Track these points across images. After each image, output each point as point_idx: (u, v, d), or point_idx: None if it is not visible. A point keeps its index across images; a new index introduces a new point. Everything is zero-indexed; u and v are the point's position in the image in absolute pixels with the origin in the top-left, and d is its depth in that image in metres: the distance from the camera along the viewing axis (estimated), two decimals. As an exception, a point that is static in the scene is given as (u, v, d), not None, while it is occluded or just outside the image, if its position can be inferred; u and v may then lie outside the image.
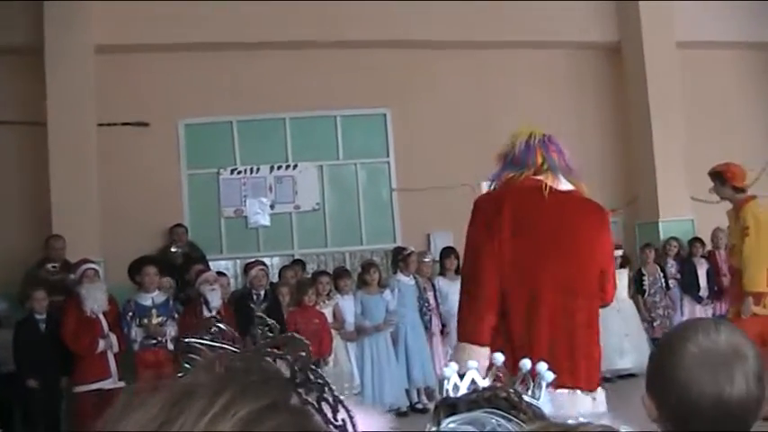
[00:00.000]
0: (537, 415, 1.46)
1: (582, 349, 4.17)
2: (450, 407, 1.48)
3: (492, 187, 4.57)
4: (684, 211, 12.28)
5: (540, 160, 4.29)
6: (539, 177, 4.28)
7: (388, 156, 12.15)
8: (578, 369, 4.10)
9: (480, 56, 12.36)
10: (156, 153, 11.28)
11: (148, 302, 8.79)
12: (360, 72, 11.86)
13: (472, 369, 1.65)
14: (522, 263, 4.15)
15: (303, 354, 0.89)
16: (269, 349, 0.90)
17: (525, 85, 12.49)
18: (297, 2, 11.14)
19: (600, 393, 4.23)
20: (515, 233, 4.17)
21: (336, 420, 0.87)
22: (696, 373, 1.72)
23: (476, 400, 1.47)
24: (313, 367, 0.89)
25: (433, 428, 1.42)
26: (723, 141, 12.90)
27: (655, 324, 10.88)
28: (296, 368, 0.88)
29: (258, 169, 11.69)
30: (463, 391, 1.58)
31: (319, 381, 0.88)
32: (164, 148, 11.39)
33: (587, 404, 4.09)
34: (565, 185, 4.32)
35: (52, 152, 10.49)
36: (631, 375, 10.44)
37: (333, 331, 9.62)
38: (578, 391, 4.06)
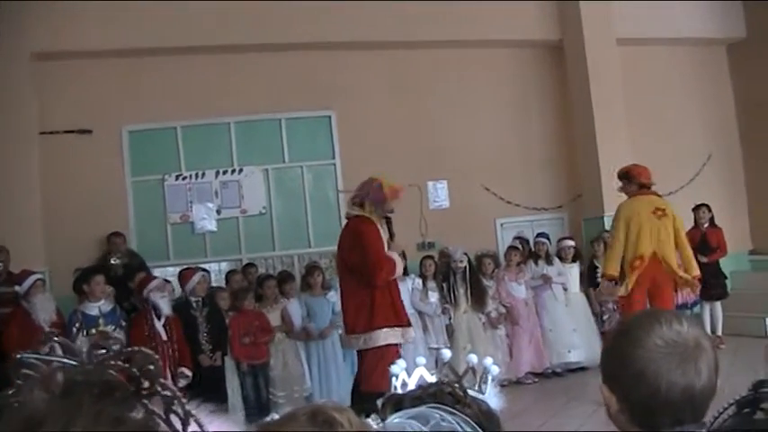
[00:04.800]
0: (482, 409, 1.47)
1: (356, 307, 7.33)
2: (397, 403, 1.49)
3: None
4: (629, 205, 12.43)
5: None
6: None
7: (333, 158, 12.13)
8: (359, 322, 7.28)
9: (424, 56, 12.41)
10: (99, 160, 11.14)
11: (95, 312, 8.68)
12: (304, 74, 11.84)
13: (420, 366, 1.66)
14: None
15: (152, 367, 0.89)
16: (113, 362, 0.89)
17: (469, 84, 12.57)
18: (240, 3, 11.08)
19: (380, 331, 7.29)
20: None
21: None
22: (664, 366, 1.73)
23: (421, 396, 1.48)
24: (162, 380, 0.89)
25: (380, 424, 1.42)
26: (665, 136, 13.13)
27: (604, 318, 11.01)
28: (142, 381, 0.89)
29: (203, 174, 11.61)
30: (411, 387, 1.59)
31: (168, 393, 0.88)
32: (107, 156, 11.25)
33: (374, 338, 7.23)
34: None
35: (-7, 162, 10.33)
36: (582, 369, 10.57)
37: (281, 334, 9.67)
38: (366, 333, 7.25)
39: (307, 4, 11.31)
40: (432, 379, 1.62)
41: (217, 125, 11.72)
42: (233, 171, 11.72)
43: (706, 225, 11.88)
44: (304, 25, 11.46)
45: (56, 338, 1.03)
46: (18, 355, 0.98)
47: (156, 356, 0.92)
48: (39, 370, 0.94)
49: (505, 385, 10.43)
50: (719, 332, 11.71)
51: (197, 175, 11.58)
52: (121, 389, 0.87)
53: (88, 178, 11.01)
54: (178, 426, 0.88)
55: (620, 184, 9.16)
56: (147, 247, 11.00)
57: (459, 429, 1.39)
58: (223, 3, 11.05)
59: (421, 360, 1.69)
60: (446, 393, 1.47)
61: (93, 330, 8.51)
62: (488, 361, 1.65)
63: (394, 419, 1.42)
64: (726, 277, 11.91)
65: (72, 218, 10.74)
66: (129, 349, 0.92)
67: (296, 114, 11.94)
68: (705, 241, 11.77)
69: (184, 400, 0.89)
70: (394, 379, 1.61)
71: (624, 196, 9.05)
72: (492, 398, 1.57)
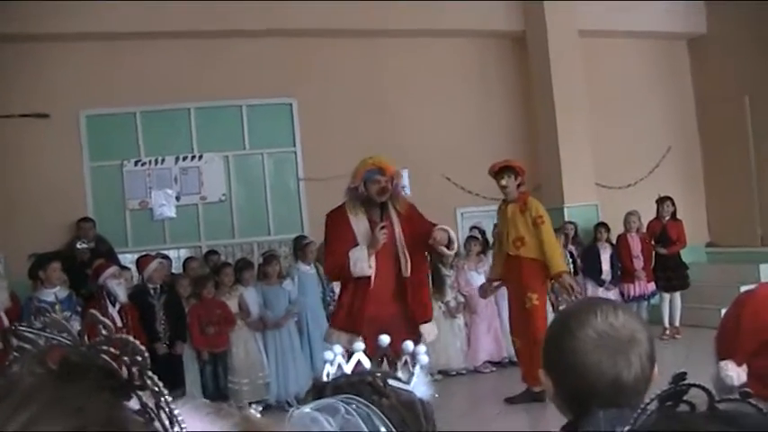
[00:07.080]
0: (401, 400, 1.43)
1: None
2: (320, 390, 1.46)
3: None
4: (588, 196, 12.53)
5: None
6: None
7: (294, 145, 12.08)
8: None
9: (386, 44, 12.39)
10: (57, 145, 10.98)
11: (51, 298, 8.60)
12: (265, 61, 11.76)
13: (359, 351, 1.64)
14: None
15: (140, 359, 0.87)
16: (104, 347, 0.87)
17: (431, 73, 12.57)
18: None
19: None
20: None
21: None
22: (595, 357, 1.78)
23: (342, 384, 1.45)
24: (149, 374, 0.87)
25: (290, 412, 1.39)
26: (625, 128, 13.23)
27: (560, 308, 11.05)
28: (133, 371, 0.86)
29: (163, 160, 11.51)
30: (348, 372, 1.56)
31: (156, 389, 0.87)
32: (65, 141, 11.10)
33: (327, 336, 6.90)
34: None
35: (-53, 146, 10.18)
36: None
37: (240, 322, 9.63)
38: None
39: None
40: (369, 364, 1.59)
41: (177, 111, 11.61)
42: (193, 157, 11.63)
43: (667, 218, 12.01)
44: (266, 12, 11.37)
45: (47, 316, 1.01)
46: (12, 326, 0.97)
47: (143, 348, 0.90)
48: (36, 345, 0.92)
49: (464, 374, 10.52)
50: (677, 323, 11.84)
51: (156, 161, 11.48)
52: (116, 376, 0.85)
53: (45, 163, 10.86)
54: (166, 422, 0.86)
55: (504, 178, 8.60)
56: (106, 233, 10.84)
57: (361, 425, 1.35)
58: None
59: (360, 345, 1.66)
60: (366, 383, 1.44)
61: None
62: (421, 349, 1.62)
63: (304, 410, 1.38)
64: (687, 267, 12.04)
65: (29, 203, 10.60)
66: (118, 336, 0.89)
67: (257, 101, 11.87)
68: (665, 233, 11.92)
69: (170, 399, 0.87)
70: (328, 365, 1.58)
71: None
72: (420, 386, 1.53)
